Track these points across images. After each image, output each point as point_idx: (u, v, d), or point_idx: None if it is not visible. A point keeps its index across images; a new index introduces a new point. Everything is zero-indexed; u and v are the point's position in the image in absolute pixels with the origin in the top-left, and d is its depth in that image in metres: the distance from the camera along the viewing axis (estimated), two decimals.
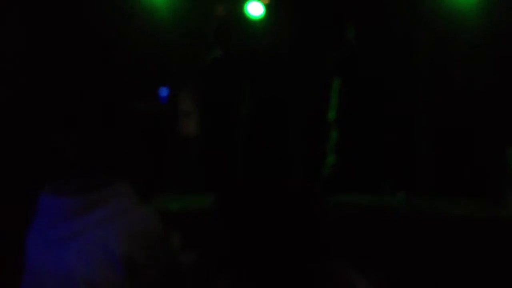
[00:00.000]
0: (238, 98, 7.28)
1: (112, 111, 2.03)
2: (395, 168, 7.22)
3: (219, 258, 1.63)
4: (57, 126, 1.97)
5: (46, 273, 1.98)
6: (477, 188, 6.94)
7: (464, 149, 7.49)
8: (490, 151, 7.19)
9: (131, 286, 1.91)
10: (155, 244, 1.96)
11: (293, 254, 1.61)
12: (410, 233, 5.25)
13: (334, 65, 7.04)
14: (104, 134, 2.01)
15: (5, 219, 3.66)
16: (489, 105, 7.36)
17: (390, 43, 7.31)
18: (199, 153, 7.59)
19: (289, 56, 8.33)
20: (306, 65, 8.24)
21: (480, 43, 7.44)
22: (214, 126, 7.24)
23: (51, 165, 1.98)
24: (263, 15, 8.19)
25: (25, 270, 2.06)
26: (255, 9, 8.18)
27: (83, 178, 1.99)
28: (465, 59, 7.61)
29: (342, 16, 7.32)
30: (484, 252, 4.86)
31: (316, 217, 1.65)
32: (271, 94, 8.26)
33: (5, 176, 4.10)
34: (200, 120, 7.55)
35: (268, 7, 8.21)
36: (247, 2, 8.18)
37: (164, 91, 8.73)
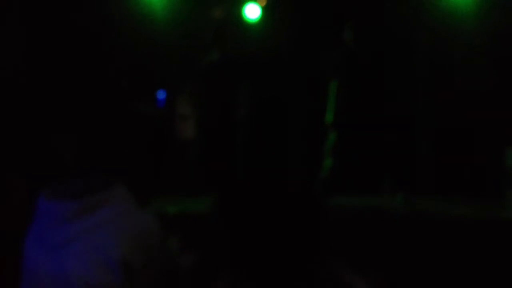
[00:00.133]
0: (236, 100, 7.27)
1: (111, 113, 2.03)
2: (395, 169, 7.21)
3: (219, 258, 1.63)
4: (56, 128, 1.97)
5: (44, 276, 1.97)
6: (477, 188, 6.94)
7: (464, 149, 7.49)
8: (490, 151, 7.20)
9: None
10: (153, 247, 1.95)
11: (293, 254, 1.60)
12: (410, 234, 5.25)
13: (332, 67, 7.04)
14: (103, 136, 2.01)
15: (3, 221, 3.66)
16: (489, 106, 7.37)
17: (389, 43, 7.31)
18: (197, 156, 7.59)
19: (287, 58, 8.34)
20: (303, 67, 8.25)
21: (479, 44, 7.45)
22: (212, 129, 7.24)
23: (49, 167, 1.98)
24: (260, 17, 8.20)
25: (23, 273, 2.05)
26: (252, 12, 8.19)
27: (81, 181, 1.99)
28: (464, 59, 7.62)
29: (340, 18, 7.32)
30: (484, 253, 4.86)
31: (316, 217, 1.65)
32: (269, 96, 8.27)
33: (4, 177, 4.10)
34: (198, 123, 7.55)
35: (265, 9, 8.22)
36: (244, 5, 8.18)
37: (161, 94, 8.73)
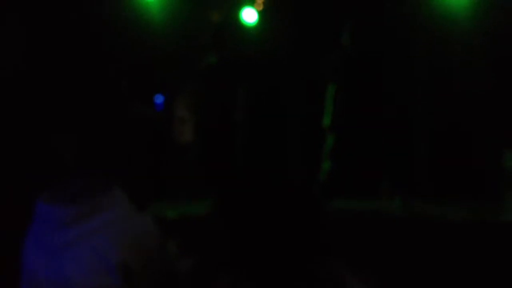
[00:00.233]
0: (234, 103, 7.28)
1: (110, 114, 2.03)
2: (393, 172, 7.22)
3: (219, 259, 1.63)
4: (56, 129, 1.97)
5: (43, 280, 1.97)
6: (475, 191, 6.94)
7: (462, 152, 7.49)
8: (488, 154, 7.20)
9: None
10: (152, 251, 1.96)
11: (293, 254, 1.61)
12: (408, 237, 5.25)
13: (330, 70, 7.05)
14: (103, 137, 2.01)
15: (2, 223, 3.66)
16: (487, 108, 7.37)
17: (387, 46, 7.31)
18: (196, 158, 7.59)
19: (285, 61, 8.35)
20: (301, 70, 8.25)
21: (477, 46, 7.45)
22: (211, 131, 7.24)
23: (49, 169, 1.98)
24: (257, 21, 8.21)
25: (21, 277, 2.05)
26: (249, 16, 8.20)
27: (79, 185, 1.98)
28: (462, 62, 7.62)
29: (338, 21, 7.32)
30: (483, 255, 4.86)
31: (315, 217, 1.65)
32: (267, 99, 8.27)
33: (3, 179, 4.10)
34: (197, 125, 7.55)
35: (262, 13, 8.23)
36: (241, 9, 8.19)
37: (159, 98, 8.74)
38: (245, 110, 7.35)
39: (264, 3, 8.20)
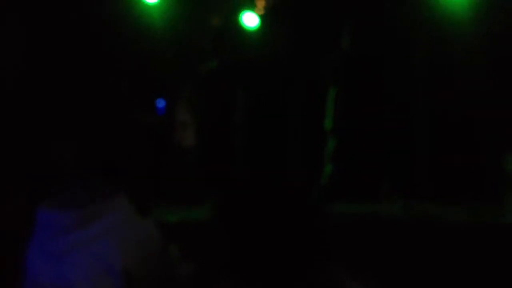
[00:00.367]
0: (235, 106, 7.28)
1: (111, 119, 2.03)
2: (394, 175, 7.21)
3: (220, 263, 1.64)
4: (55, 135, 1.97)
5: (46, 285, 1.97)
6: (476, 193, 6.94)
7: (463, 154, 7.48)
8: (489, 156, 7.19)
9: None
10: (154, 256, 1.96)
11: (293, 259, 1.61)
12: (409, 240, 5.25)
13: (331, 72, 7.05)
14: (103, 142, 2.01)
15: (4, 228, 3.65)
16: (487, 112, 7.36)
17: (387, 48, 7.31)
18: (197, 160, 7.59)
19: (285, 65, 8.35)
20: (302, 73, 8.25)
21: (478, 47, 7.44)
22: (212, 134, 7.25)
23: (49, 174, 1.98)
24: (258, 25, 8.22)
25: (25, 282, 2.05)
26: (250, 20, 8.21)
27: (81, 191, 1.98)
28: (463, 64, 7.61)
29: (337, 23, 7.32)
30: (483, 256, 4.86)
31: (315, 222, 1.66)
32: (267, 101, 8.27)
33: (4, 183, 4.10)
34: (198, 128, 7.56)
35: (263, 17, 8.24)
36: (242, 13, 8.20)
37: (161, 103, 8.74)
38: (245, 113, 7.36)
39: (264, 7, 8.21)
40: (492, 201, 6.45)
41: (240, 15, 8.21)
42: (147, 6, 8.02)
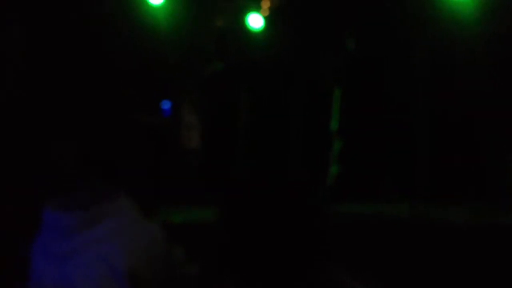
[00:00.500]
0: (239, 108, 7.30)
1: (113, 120, 2.03)
2: (397, 176, 7.21)
3: (221, 264, 1.65)
4: (55, 135, 1.97)
5: (50, 286, 1.98)
6: (478, 193, 6.93)
7: (465, 155, 7.48)
8: (491, 157, 7.19)
9: None
10: (158, 257, 1.96)
11: (293, 259, 1.62)
12: (410, 240, 5.25)
13: (334, 74, 7.06)
14: (106, 145, 2.01)
15: (6, 229, 3.65)
16: (489, 113, 7.35)
17: (390, 49, 7.31)
18: (201, 161, 7.60)
19: (290, 66, 8.36)
20: (306, 75, 8.26)
21: (482, 49, 7.43)
22: (216, 135, 7.26)
23: (51, 177, 1.98)
24: (263, 27, 8.23)
25: (29, 284, 2.07)
26: (255, 21, 8.22)
27: (86, 193, 1.98)
28: (466, 65, 7.60)
29: (341, 25, 7.33)
30: (484, 257, 4.86)
31: (315, 222, 1.66)
32: (271, 104, 8.27)
33: (5, 185, 4.09)
34: (202, 130, 7.57)
35: (268, 19, 8.25)
36: (247, 15, 8.22)
37: (166, 104, 8.75)
38: (249, 115, 7.37)
39: (269, 9, 8.23)
40: (494, 201, 6.44)
41: (246, 16, 8.22)
42: (152, 7, 8.03)
